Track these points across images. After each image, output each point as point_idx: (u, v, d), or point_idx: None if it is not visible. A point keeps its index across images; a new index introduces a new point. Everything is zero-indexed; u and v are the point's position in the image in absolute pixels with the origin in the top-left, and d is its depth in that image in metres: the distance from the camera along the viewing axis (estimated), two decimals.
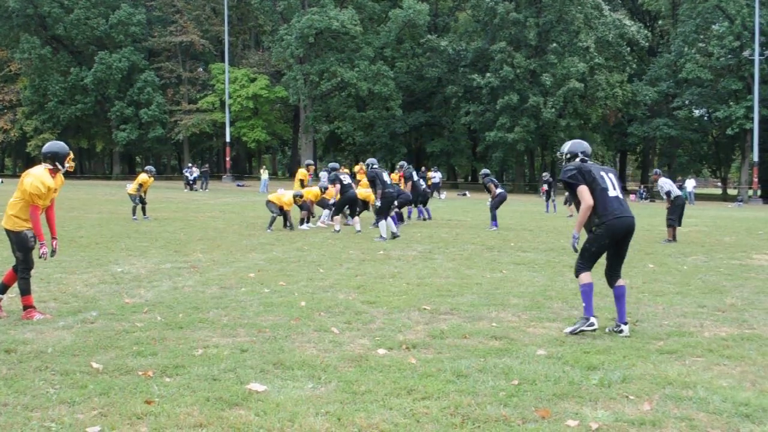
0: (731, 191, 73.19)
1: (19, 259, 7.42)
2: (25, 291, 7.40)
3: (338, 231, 17.81)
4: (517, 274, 11.31)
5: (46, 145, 7.72)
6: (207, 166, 56.24)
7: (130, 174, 73.08)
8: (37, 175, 7.35)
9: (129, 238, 15.78)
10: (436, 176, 47.27)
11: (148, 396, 4.90)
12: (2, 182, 54.31)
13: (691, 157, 69.85)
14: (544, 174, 36.61)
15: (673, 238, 17.77)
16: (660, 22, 72.90)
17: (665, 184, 18.26)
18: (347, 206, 19.03)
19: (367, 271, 11.35)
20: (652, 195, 55.55)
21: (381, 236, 16.51)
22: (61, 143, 7.77)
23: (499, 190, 20.71)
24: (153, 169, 22.69)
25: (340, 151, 78.73)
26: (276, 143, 78.43)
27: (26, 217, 7.40)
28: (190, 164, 54.87)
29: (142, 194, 21.38)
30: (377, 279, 10.47)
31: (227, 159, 64.78)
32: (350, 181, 18.49)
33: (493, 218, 20.50)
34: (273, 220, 18.56)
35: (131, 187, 21.64)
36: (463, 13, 71.22)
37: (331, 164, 19.94)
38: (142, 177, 21.60)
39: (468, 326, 7.33)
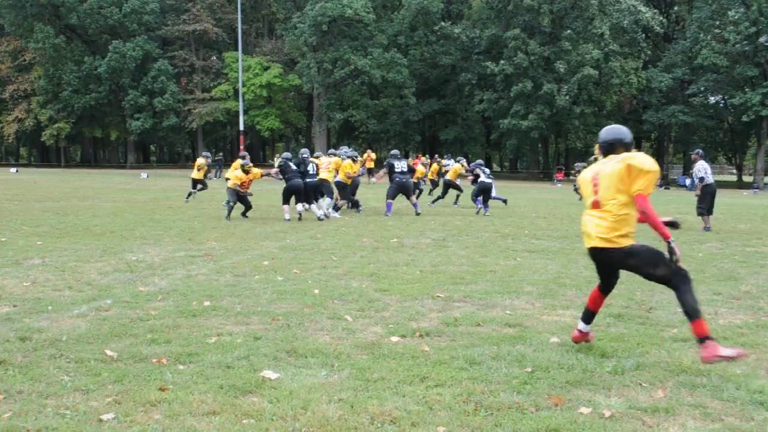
0: (747, 178, 72.72)
1: (659, 275, 5.60)
2: (693, 311, 5.43)
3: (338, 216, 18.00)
4: (530, 262, 11.29)
5: (613, 130, 6.04)
6: (221, 154, 56.31)
7: (145, 163, 73.52)
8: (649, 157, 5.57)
9: (143, 226, 15.84)
10: (450, 164, 47.15)
11: (162, 383, 4.92)
12: (17, 171, 54.66)
13: (707, 144, 69.28)
14: (577, 164, 36.34)
15: (708, 227, 17.31)
16: (675, 8, 72.33)
17: (701, 169, 17.68)
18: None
19: (380, 258, 11.35)
20: (668, 183, 55.29)
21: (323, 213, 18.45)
22: (623, 129, 6.09)
23: (483, 179, 21.17)
24: (208, 154, 25.41)
25: (353, 140, 78.72)
26: (290, 131, 78.49)
27: (630, 228, 5.64)
28: (204, 153, 54.96)
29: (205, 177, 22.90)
30: (391, 267, 10.47)
31: (241, 147, 64.75)
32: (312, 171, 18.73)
33: (482, 202, 21.16)
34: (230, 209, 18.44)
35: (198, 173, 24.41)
36: (477, 0, 70.99)
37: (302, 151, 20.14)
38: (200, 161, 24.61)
39: (481, 314, 7.32)
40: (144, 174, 48.63)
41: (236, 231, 15.26)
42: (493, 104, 60.67)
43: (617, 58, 58.99)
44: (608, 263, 5.81)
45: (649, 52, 63.13)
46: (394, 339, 6.22)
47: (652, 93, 61.99)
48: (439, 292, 8.45)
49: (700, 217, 17.80)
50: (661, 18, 62.02)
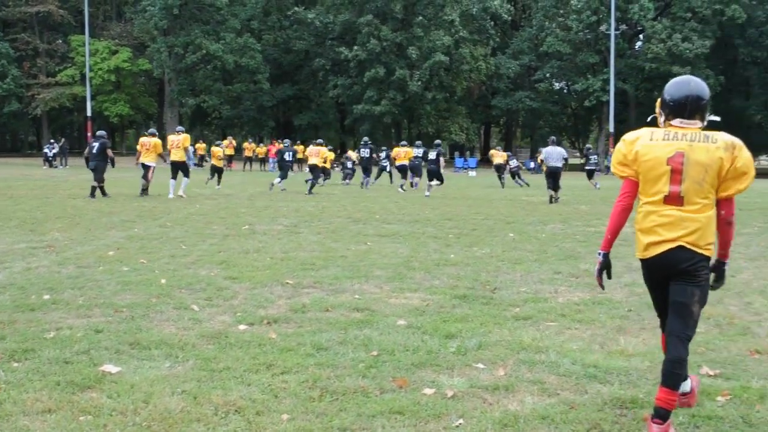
0: None
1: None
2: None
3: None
4: (381, 246, 11.41)
5: (702, 85, 4.05)
6: (64, 140, 54.12)
7: None
8: None
9: None
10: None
11: None
12: None
13: (552, 128, 71.94)
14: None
15: (553, 200, 20.66)
16: None
17: (543, 152, 21.72)
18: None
19: (231, 246, 11.22)
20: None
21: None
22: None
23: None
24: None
25: (206, 125, 77.42)
26: (140, 118, 76.22)
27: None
28: (52, 140, 52.85)
29: None
30: (241, 254, 10.36)
31: (88, 134, 62.60)
32: None
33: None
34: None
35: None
36: None
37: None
38: None
39: (330, 299, 7.35)
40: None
41: (81, 221, 14.72)
42: (347, 90, 60.95)
43: (467, 45, 60.34)
44: (676, 271, 3.96)
45: (497, 39, 64.88)
46: (242, 327, 6.16)
47: (500, 79, 63.81)
48: (288, 278, 8.42)
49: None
50: (508, 6, 63.82)
